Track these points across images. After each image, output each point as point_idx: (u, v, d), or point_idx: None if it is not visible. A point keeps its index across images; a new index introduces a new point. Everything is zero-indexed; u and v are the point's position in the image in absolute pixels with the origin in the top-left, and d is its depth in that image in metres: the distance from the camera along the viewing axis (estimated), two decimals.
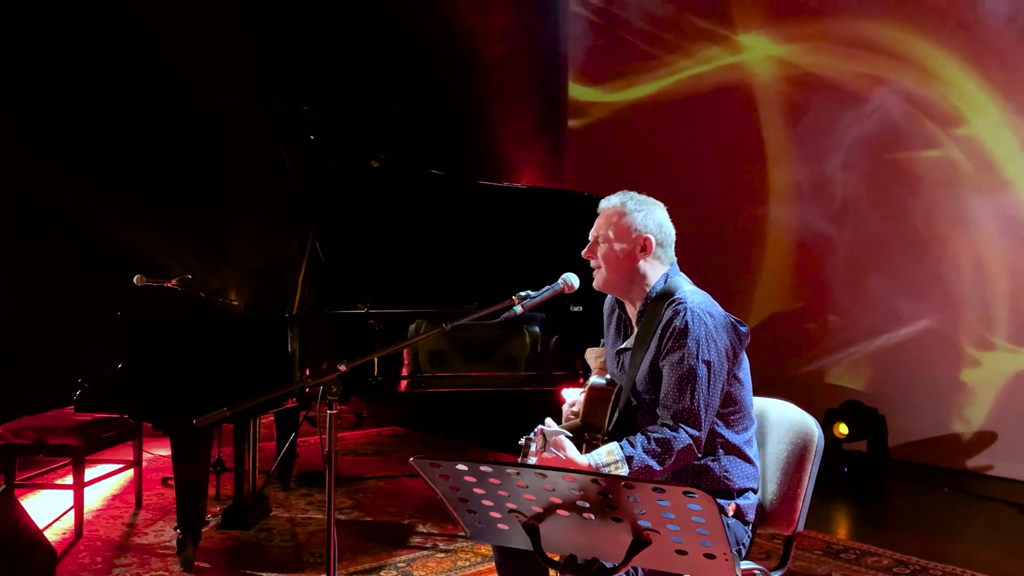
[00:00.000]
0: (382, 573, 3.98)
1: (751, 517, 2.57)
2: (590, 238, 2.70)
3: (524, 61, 8.67)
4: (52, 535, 4.31)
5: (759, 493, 2.64)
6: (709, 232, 7.28)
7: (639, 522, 1.91)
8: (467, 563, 4.09)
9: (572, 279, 2.65)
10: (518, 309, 2.56)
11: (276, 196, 6.87)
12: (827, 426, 5.59)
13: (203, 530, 3.99)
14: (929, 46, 6.06)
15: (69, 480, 4.50)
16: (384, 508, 4.99)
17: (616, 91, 8.09)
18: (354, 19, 8.17)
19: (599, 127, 8.29)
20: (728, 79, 7.21)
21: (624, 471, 2.38)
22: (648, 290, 2.63)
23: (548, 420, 2.51)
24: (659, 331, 2.54)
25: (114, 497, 5.06)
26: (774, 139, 7.00)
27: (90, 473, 4.61)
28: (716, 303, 2.60)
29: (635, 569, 2.28)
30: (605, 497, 1.90)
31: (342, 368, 2.35)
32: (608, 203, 2.69)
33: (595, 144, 8.38)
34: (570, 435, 2.46)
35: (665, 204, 2.73)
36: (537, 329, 4.37)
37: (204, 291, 4.64)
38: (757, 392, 2.70)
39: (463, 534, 2.48)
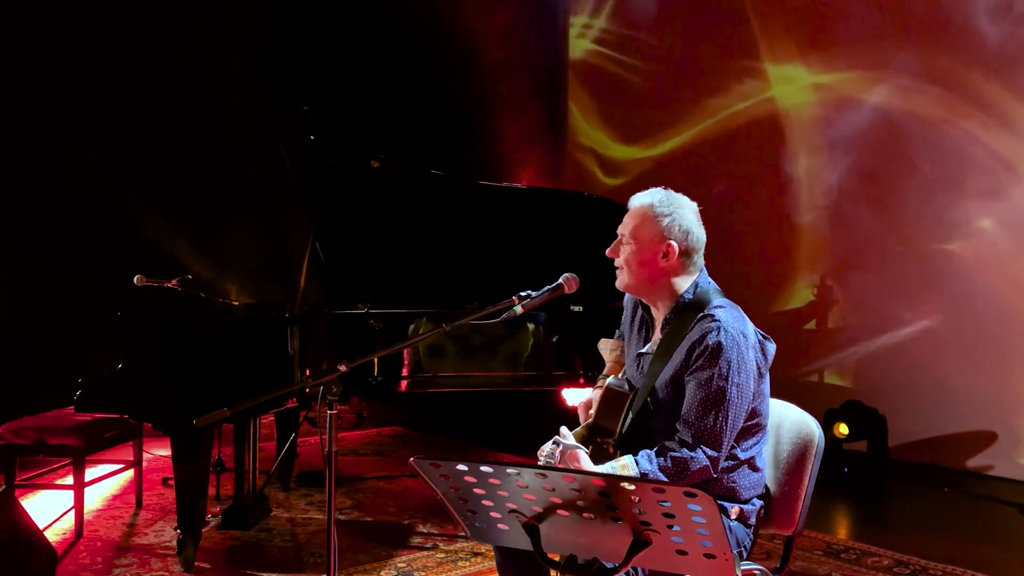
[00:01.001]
0: (382, 573, 3.98)
1: (753, 521, 2.56)
2: (616, 235, 2.61)
3: (525, 61, 8.67)
4: (52, 535, 4.31)
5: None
6: (712, 232, 7.28)
7: (639, 522, 1.91)
8: (467, 563, 4.09)
9: (572, 279, 2.63)
10: (518, 309, 2.54)
11: (276, 196, 6.89)
12: (827, 426, 5.59)
13: (203, 530, 3.99)
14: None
15: (69, 480, 4.50)
16: (384, 508, 4.99)
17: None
18: (354, 19, 8.18)
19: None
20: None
21: None
22: (677, 298, 2.56)
23: (563, 429, 2.47)
24: (687, 344, 2.47)
25: (114, 497, 5.06)
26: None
27: (90, 473, 4.60)
28: (747, 319, 2.53)
29: (635, 569, 2.27)
30: (605, 497, 1.90)
31: (342, 368, 2.35)
32: (637, 201, 2.59)
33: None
34: (585, 448, 2.44)
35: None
36: (537, 329, 4.37)
37: (204, 291, 4.64)
38: None
39: (463, 534, 2.48)
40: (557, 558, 2.16)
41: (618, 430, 2.53)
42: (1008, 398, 5.75)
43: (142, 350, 3.84)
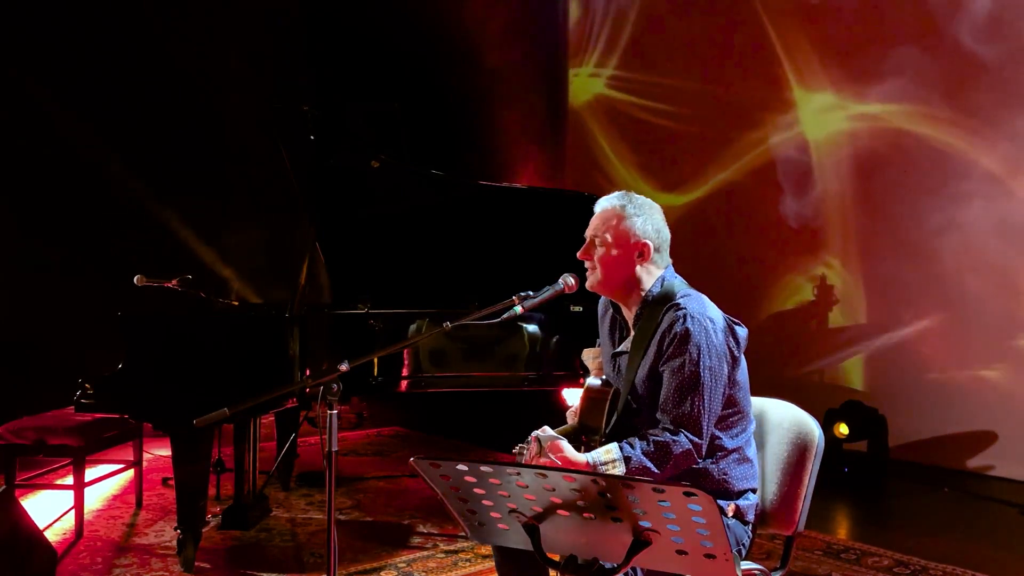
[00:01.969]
0: (382, 573, 3.98)
1: (751, 517, 2.56)
2: (586, 237, 2.67)
3: (525, 60, 8.67)
4: (52, 535, 4.31)
5: (759, 493, 2.64)
6: (712, 231, 7.29)
7: (639, 522, 1.91)
8: (467, 563, 4.09)
9: (572, 279, 2.64)
10: (518, 309, 2.55)
11: (276, 196, 6.89)
12: (827, 426, 5.59)
13: (203, 530, 3.99)
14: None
15: (69, 480, 4.50)
16: (384, 508, 4.99)
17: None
18: (354, 19, 8.18)
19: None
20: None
21: (620, 470, 2.37)
22: (644, 293, 2.61)
23: (544, 427, 2.49)
24: (658, 335, 2.52)
25: (114, 497, 5.06)
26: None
27: (90, 473, 4.61)
28: (714, 305, 2.58)
29: (635, 569, 2.28)
30: (605, 497, 1.90)
31: (342, 368, 2.34)
32: (608, 203, 2.66)
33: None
34: (564, 439, 2.46)
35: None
36: (537, 329, 4.37)
37: (204, 291, 4.64)
38: (757, 392, 2.70)
39: (463, 534, 2.48)
40: (557, 558, 2.16)
41: (603, 428, 2.54)
42: (1008, 398, 5.75)
43: (142, 350, 3.84)
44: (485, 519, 2.12)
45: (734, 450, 2.55)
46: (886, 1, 6.35)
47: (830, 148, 6.65)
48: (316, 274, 4.46)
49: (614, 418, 2.56)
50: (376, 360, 4.14)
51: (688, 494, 1.81)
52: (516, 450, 2.45)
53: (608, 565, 2.07)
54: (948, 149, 6.01)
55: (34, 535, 3.36)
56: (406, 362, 4.23)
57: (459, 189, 4.70)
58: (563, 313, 4.40)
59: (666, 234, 2.66)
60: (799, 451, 2.63)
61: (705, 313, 2.51)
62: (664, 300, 2.57)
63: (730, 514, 2.51)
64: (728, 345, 2.52)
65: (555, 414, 3.08)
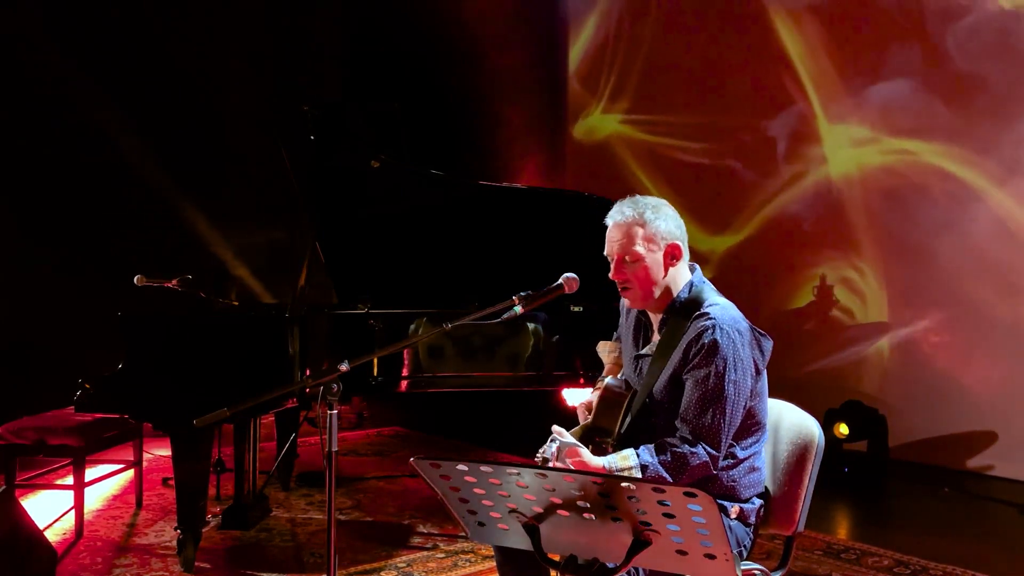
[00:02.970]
0: (382, 573, 3.98)
1: (753, 520, 2.56)
2: (611, 256, 2.58)
3: (525, 60, 8.67)
4: (52, 535, 4.31)
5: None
6: (713, 231, 7.29)
7: (640, 522, 1.91)
8: (467, 563, 4.09)
9: (573, 279, 2.63)
10: (519, 309, 2.54)
11: (276, 196, 6.89)
12: (827, 426, 5.59)
13: (203, 530, 3.99)
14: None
15: (69, 480, 4.50)
16: (384, 508, 4.99)
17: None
18: (354, 19, 8.18)
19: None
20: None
21: (637, 477, 2.36)
22: (673, 298, 2.57)
23: (557, 428, 2.47)
24: (685, 343, 2.48)
25: (114, 497, 5.06)
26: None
27: (90, 473, 4.60)
28: (742, 316, 2.53)
29: (635, 569, 2.28)
30: (605, 497, 1.90)
31: (342, 368, 2.34)
32: (622, 216, 2.56)
33: None
34: (581, 445, 2.45)
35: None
36: (538, 329, 4.37)
37: (204, 291, 4.64)
38: None
39: (463, 534, 2.48)
40: (557, 558, 2.16)
41: (616, 430, 2.53)
42: (1008, 398, 5.75)
43: (142, 350, 3.84)
44: (485, 519, 2.12)
45: (744, 459, 2.53)
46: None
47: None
48: (316, 274, 4.46)
49: (628, 420, 2.54)
50: (376, 360, 4.14)
51: (688, 494, 1.81)
52: (539, 459, 2.43)
53: (608, 565, 2.07)
54: (948, 152, 6.01)
55: (34, 535, 3.36)
56: (406, 362, 4.23)
57: (459, 189, 4.70)
58: (563, 313, 4.40)
59: (684, 228, 2.60)
60: (799, 451, 2.62)
61: (734, 325, 2.47)
62: (692, 306, 2.52)
63: (733, 516, 2.51)
64: (753, 358, 2.49)
65: (555, 414, 3.08)
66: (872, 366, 6.42)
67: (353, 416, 7.25)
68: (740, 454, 2.52)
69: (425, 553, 4.24)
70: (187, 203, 7.22)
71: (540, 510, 2.01)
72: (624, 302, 2.75)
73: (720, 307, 2.51)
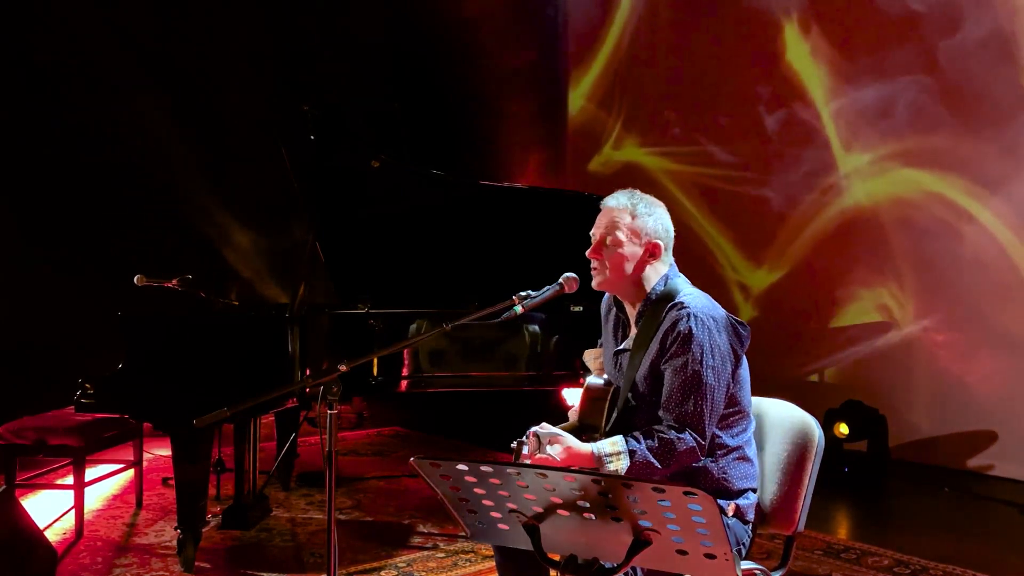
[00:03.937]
0: (382, 573, 3.98)
1: (751, 516, 2.57)
2: (593, 236, 2.65)
3: (525, 60, 8.67)
4: (53, 535, 4.31)
5: (758, 492, 2.64)
6: (712, 231, 7.29)
7: (639, 522, 1.91)
8: (467, 563, 4.09)
9: (573, 279, 2.64)
10: (518, 309, 2.55)
11: (276, 196, 6.89)
12: (827, 426, 5.59)
13: (203, 530, 3.99)
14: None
15: (69, 480, 4.50)
16: (384, 508, 4.99)
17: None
18: (354, 19, 8.17)
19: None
20: None
21: (625, 463, 2.38)
22: (648, 291, 2.62)
23: (543, 423, 2.49)
24: (661, 333, 2.52)
25: (114, 497, 5.06)
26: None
27: (90, 473, 4.61)
28: (717, 304, 2.58)
29: (635, 569, 2.28)
30: (605, 497, 1.90)
31: (342, 368, 2.35)
32: (616, 202, 2.64)
33: None
34: (564, 432, 2.46)
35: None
36: (537, 329, 4.37)
37: (204, 291, 4.64)
38: (757, 392, 2.70)
39: (463, 534, 2.48)
40: (557, 558, 2.16)
41: (603, 426, 2.54)
42: (1008, 398, 5.75)
43: (142, 350, 3.84)
44: (485, 519, 2.12)
45: (734, 448, 2.55)
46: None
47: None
48: (316, 274, 4.46)
49: (614, 415, 2.56)
50: (376, 360, 4.14)
51: (688, 494, 1.81)
52: (514, 445, 2.45)
53: (608, 565, 2.07)
54: (947, 156, 6.02)
55: (34, 535, 3.36)
56: (406, 362, 4.23)
57: (459, 189, 4.70)
58: (563, 313, 4.40)
59: (672, 232, 2.66)
60: (799, 451, 2.63)
61: (708, 312, 2.51)
62: (667, 298, 2.57)
63: (730, 513, 2.52)
64: (731, 344, 2.53)
65: (555, 414, 3.08)
66: (872, 366, 6.42)
67: (353, 416, 7.26)
68: (729, 442, 2.54)
69: (425, 553, 4.24)
70: (187, 203, 7.22)
71: (540, 510, 2.01)
72: (602, 303, 2.83)
73: (694, 296, 2.56)
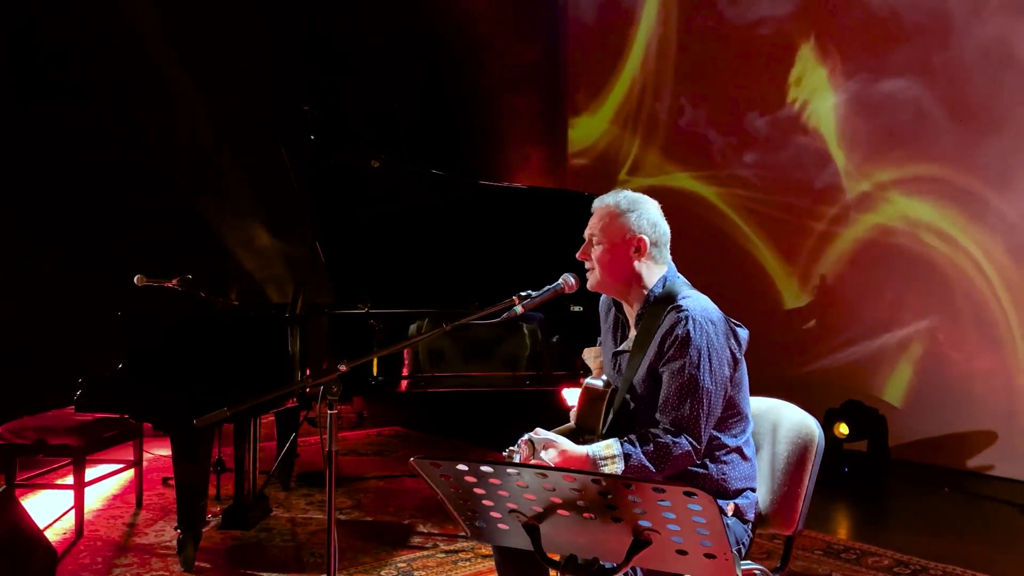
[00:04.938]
0: (382, 573, 3.98)
1: (750, 516, 2.57)
2: (584, 238, 2.67)
3: (526, 59, 8.67)
4: (52, 535, 4.31)
5: (758, 493, 2.64)
6: (713, 230, 7.29)
7: (639, 522, 1.91)
8: (467, 563, 4.09)
9: (572, 279, 2.64)
10: (518, 309, 2.55)
11: (276, 196, 6.90)
12: (827, 426, 5.59)
13: (203, 530, 3.99)
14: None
15: (69, 480, 4.50)
16: (384, 508, 4.99)
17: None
18: (354, 19, 8.17)
19: None
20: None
21: (620, 466, 2.38)
22: (647, 293, 2.61)
23: (537, 429, 2.49)
24: (659, 335, 2.52)
25: (114, 497, 5.06)
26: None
27: (90, 473, 4.61)
28: (716, 307, 2.57)
29: (635, 569, 2.28)
30: (605, 497, 1.90)
31: (342, 368, 2.35)
32: (601, 202, 2.67)
33: None
34: (559, 437, 2.45)
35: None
36: (537, 329, 4.37)
37: (204, 291, 4.64)
38: (757, 392, 2.70)
39: (463, 534, 2.48)
40: (557, 558, 2.16)
41: (600, 428, 2.54)
42: (1008, 398, 5.75)
43: (142, 350, 3.84)
44: (485, 519, 2.12)
45: (734, 449, 2.55)
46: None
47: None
48: (316, 274, 4.46)
49: (611, 416, 2.56)
50: (376, 360, 4.14)
51: (688, 494, 1.81)
52: (506, 453, 2.45)
53: (608, 565, 2.07)
54: (947, 156, 6.02)
55: (34, 535, 3.36)
56: (406, 362, 4.23)
57: (459, 189, 4.71)
58: (563, 313, 4.40)
59: (664, 228, 2.65)
60: (799, 451, 2.63)
61: (707, 316, 2.50)
62: (666, 300, 2.56)
63: (729, 513, 2.52)
64: (729, 347, 2.52)
65: (555, 414, 3.08)
66: (872, 366, 6.42)
67: (353, 416, 7.25)
68: (729, 443, 2.54)
69: (425, 553, 4.24)
70: (187, 203, 7.22)
71: (540, 510, 2.01)
72: (601, 303, 2.83)
73: (692, 299, 2.55)
